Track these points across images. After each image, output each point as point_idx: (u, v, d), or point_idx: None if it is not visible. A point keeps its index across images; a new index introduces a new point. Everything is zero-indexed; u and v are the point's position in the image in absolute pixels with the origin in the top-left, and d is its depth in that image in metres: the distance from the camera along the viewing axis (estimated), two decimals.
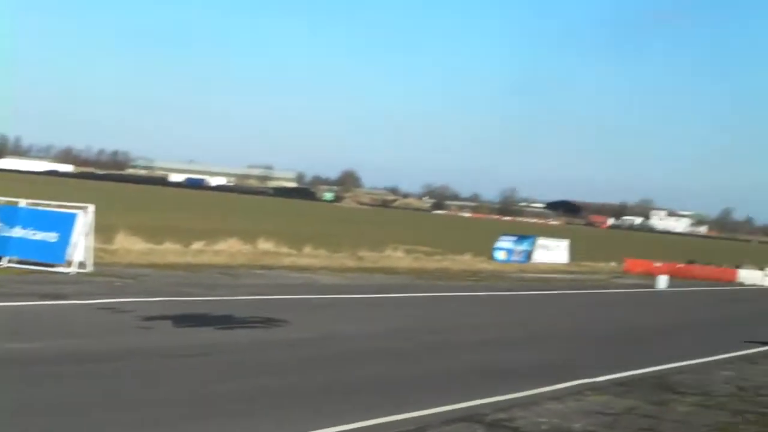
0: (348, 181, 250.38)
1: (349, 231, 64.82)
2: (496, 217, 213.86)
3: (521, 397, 13.06)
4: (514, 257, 50.17)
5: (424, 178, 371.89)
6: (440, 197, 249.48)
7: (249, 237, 39.40)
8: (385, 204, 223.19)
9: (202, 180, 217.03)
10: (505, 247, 51.21)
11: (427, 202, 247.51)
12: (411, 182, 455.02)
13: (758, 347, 21.52)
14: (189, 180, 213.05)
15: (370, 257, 40.84)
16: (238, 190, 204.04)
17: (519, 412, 12.03)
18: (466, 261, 46.44)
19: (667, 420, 12.29)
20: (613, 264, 56.54)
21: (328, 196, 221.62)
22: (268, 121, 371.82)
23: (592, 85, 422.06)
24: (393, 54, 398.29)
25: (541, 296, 32.75)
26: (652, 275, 46.59)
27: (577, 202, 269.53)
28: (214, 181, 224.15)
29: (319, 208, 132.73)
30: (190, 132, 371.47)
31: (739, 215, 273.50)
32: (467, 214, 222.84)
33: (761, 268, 56.69)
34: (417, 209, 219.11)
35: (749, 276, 54.38)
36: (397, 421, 10.98)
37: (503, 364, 16.17)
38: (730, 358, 19.45)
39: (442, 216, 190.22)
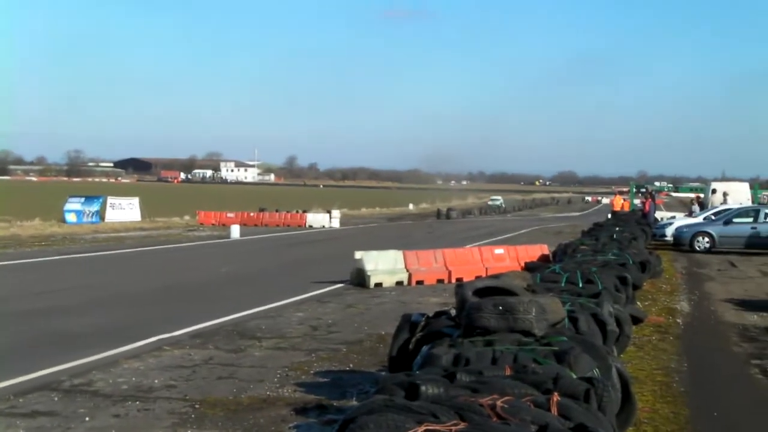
0: None
1: None
2: (65, 179, 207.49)
3: (99, 360, 12.87)
4: (86, 218, 49.28)
5: None
6: (3, 163, 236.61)
7: None
8: None
9: None
10: (74, 209, 50.26)
11: None
12: None
13: (327, 287, 22.68)
14: None
15: None
16: None
17: (98, 375, 11.87)
18: (35, 226, 44.82)
19: (244, 366, 12.67)
20: (187, 218, 56.96)
21: None
22: None
23: (155, 44, 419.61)
24: None
25: (115, 255, 32.19)
26: (225, 225, 47.46)
27: (147, 158, 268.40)
28: None
29: None
30: None
31: (302, 162, 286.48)
32: (34, 178, 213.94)
33: (327, 211, 59.80)
34: None
35: (317, 219, 57.05)
36: None
37: (80, 328, 15.74)
38: (303, 299, 20.31)
39: (6, 182, 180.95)
